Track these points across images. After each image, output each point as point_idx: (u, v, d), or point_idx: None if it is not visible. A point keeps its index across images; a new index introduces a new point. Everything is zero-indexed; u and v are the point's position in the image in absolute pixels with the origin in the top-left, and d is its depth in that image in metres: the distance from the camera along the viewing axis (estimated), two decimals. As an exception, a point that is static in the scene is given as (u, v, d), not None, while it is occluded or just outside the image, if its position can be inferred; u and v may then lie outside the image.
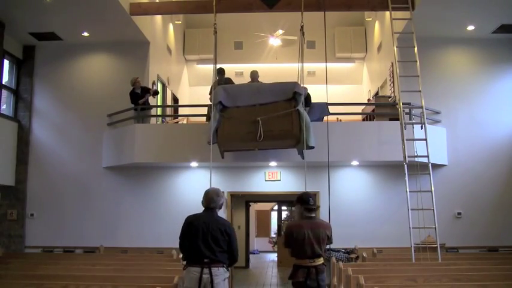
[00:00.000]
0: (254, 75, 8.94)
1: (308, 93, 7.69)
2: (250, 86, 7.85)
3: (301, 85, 7.34)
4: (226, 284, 4.46)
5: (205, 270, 4.30)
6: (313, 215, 4.90)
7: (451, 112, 9.07)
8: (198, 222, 4.50)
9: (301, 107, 7.20)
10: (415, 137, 7.80)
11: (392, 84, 9.84)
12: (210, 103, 7.73)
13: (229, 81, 9.11)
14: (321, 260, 4.79)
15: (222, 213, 7.99)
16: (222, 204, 4.72)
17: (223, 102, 7.35)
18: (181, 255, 4.51)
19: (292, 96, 7.22)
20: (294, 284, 4.74)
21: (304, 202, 4.85)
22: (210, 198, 4.65)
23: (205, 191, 4.75)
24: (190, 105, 11.80)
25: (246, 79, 9.44)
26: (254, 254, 16.36)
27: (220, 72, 9.01)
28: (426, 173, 7.44)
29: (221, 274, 4.37)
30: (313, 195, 5.00)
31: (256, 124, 7.09)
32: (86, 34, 9.23)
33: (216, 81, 7.90)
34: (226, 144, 7.38)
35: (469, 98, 9.17)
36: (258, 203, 16.78)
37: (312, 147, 7.17)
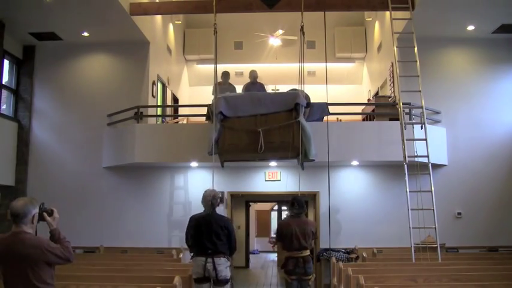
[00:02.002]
0: (253, 74, 8.95)
1: (306, 94, 7.69)
2: (251, 96, 7.86)
3: (300, 86, 7.34)
4: (228, 271, 5.13)
5: (209, 260, 5.03)
6: (300, 214, 5.94)
7: (451, 112, 9.07)
8: (201, 221, 5.21)
9: (302, 118, 7.23)
10: (415, 137, 7.80)
11: (392, 84, 9.84)
12: (210, 103, 7.74)
13: (230, 86, 9.08)
14: (307, 252, 5.78)
15: (222, 212, 8.02)
16: (219, 203, 5.34)
17: (224, 112, 7.37)
18: (186, 248, 5.45)
19: (293, 107, 7.25)
20: (285, 272, 5.79)
21: (292, 205, 5.95)
22: (208, 202, 5.28)
23: (203, 195, 5.36)
24: (190, 105, 11.79)
25: (246, 79, 9.43)
26: (254, 254, 16.34)
27: (226, 75, 9.01)
28: (426, 173, 7.44)
29: (222, 263, 5.06)
30: (302, 199, 6.05)
31: (257, 135, 7.13)
32: (86, 34, 9.22)
33: (216, 83, 7.90)
34: (227, 154, 7.40)
35: (469, 98, 9.16)
36: (258, 203, 16.77)
37: (312, 160, 7.19)
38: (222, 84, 8.94)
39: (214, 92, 7.81)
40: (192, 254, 5.27)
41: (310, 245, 5.85)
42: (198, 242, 5.14)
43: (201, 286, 5.11)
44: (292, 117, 7.21)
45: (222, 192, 8.63)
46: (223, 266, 5.06)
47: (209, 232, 5.09)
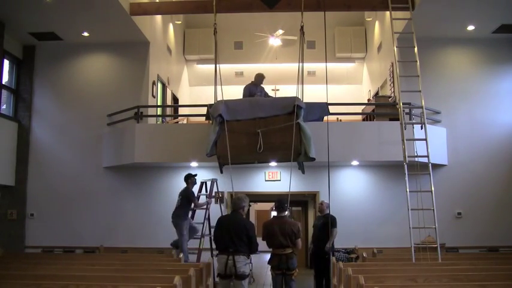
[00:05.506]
0: (259, 78, 8.75)
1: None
2: (251, 101, 7.88)
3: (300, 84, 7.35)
4: (248, 268, 5.56)
5: (230, 257, 5.42)
6: (283, 215, 6.34)
7: (451, 112, 9.07)
8: (225, 221, 5.74)
9: (301, 120, 7.24)
10: (415, 137, 7.80)
11: (392, 84, 9.84)
12: (210, 103, 7.73)
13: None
14: (289, 250, 6.14)
15: (223, 213, 8.01)
16: (244, 206, 5.77)
17: (223, 116, 7.37)
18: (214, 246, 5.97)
19: (292, 110, 7.28)
20: (271, 267, 6.27)
21: (275, 207, 6.43)
22: (234, 202, 5.86)
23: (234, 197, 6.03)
24: (190, 105, 11.80)
25: (246, 79, 9.42)
26: (255, 253, 16.32)
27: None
28: (426, 173, 7.44)
29: (242, 261, 5.45)
30: (283, 201, 6.38)
31: (257, 136, 7.15)
32: (86, 34, 9.22)
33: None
34: (226, 158, 7.34)
35: (469, 98, 9.16)
36: (258, 203, 16.75)
37: (313, 159, 7.20)
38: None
39: (213, 105, 7.75)
40: (216, 252, 5.75)
41: (294, 243, 6.17)
42: (221, 240, 5.57)
43: (224, 282, 5.53)
44: (291, 119, 7.21)
45: (222, 192, 8.64)
46: (243, 263, 5.45)
47: (230, 231, 5.51)
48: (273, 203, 6.65)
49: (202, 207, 7.94)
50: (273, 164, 8.70)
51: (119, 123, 9.15)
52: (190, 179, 7.89)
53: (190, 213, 7.94)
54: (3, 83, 9.14)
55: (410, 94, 8.04)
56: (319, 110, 8.17)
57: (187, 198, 7.72)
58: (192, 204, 7.85)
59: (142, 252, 8.45)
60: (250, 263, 5.68)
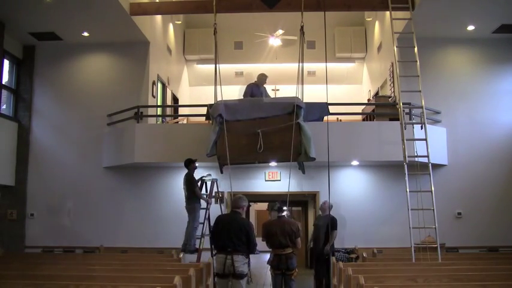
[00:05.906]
0: (262, 78, 8.74)
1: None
2: (251, 101, 7.90)
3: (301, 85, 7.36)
4: (246, 267, 5.61)
5: (229, 257, 5.46)
6: (282, 215, 6.48)
7: (451, 112, 9.07)
8: (224, 221, 5.77)
9: (301, 120, 7.26)
10: (415, 137, 7.80)
11: (392, 84, 9.83)
12: (210, 103, 7.74)
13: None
14: (289, 250, 6.27)
15: (224, 212, 8.00)
16: (244, 206, 5.81)
17: (223, 116, 7.38)
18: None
19: (292, 110, 7.30)
20: (271, 267, 6.45)
21: (272, 208, 6.59)
22: (233, 201, 5.93)
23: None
24: (190, 105, 11.80)
25: (246, 79, 9.42)
26: (254, 254, 16.32)
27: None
28: (426, 173, 7.44)
29: (240, 260, 5.50)
30: (281, 203, 6.54)
31: (257, 136, 7.17)
32: (86, 34, 9.22)
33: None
34: (226, 157, 7.34)
35: (469, 98, 9.16)
36: (258, 203, 16.76)
37: (313, 159, 7.21)
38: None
39: (213, 105, 7.75)
40: (215, 252, 5.80)
41: (294, 242, 6.27)
42: (220, 239, 5.63)
43: (222, 281, 5.58)
44: (291, 119, 7.22)
45: (222, 192, 8.63)
46: (241, 263, 5.50)
47: (229, 231, 5.55)
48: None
49: (202, 199, 7.76)
50: (273, 164, 8.70)
51: (119, 123, 9.15)
52: (191, 164, 7.71)
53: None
54: (3, 83, 9.14)
55: (410, 94, 8.04)
56: (319, 110, 8.18)
57: (190, 185, 7.60)
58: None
59: (142, 252, 8.45)
60: (248, 262, 5.73)
